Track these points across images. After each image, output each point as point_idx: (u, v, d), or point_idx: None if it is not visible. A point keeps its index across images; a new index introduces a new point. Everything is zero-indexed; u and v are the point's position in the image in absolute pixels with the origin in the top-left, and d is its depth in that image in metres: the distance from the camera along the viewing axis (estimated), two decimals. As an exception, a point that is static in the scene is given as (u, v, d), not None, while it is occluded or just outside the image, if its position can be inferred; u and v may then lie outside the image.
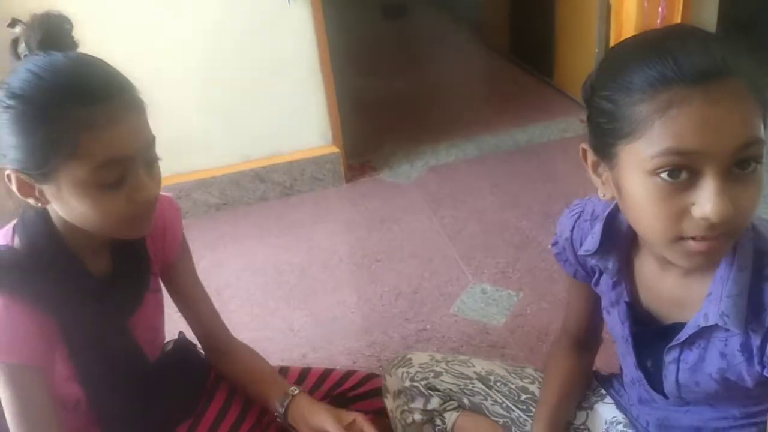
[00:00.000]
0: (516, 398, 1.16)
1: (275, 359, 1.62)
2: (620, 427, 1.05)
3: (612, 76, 0.73)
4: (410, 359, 1.21)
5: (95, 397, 1.04)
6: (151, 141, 0.92)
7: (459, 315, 1.74)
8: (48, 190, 0.89)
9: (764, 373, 0.78)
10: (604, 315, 1.00)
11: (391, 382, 1.20)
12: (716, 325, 0.80)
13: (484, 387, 1.17)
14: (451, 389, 1.17)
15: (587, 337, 1.09)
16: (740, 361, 0.80)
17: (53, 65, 0.86)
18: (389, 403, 1.20)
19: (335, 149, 2.45)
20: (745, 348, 0.79)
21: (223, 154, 2.38)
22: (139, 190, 0.90)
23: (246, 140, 2.40)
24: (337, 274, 1.98)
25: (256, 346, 1.34)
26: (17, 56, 0.90)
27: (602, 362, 1.17)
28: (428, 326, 1.71)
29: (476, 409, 1.17)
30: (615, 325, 0.96)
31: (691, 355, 0.85)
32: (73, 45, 0.92)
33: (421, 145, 2.75)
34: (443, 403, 1.17)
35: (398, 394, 1.19)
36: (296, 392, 1.15)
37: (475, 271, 1.92)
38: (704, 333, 0.83)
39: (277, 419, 1.17)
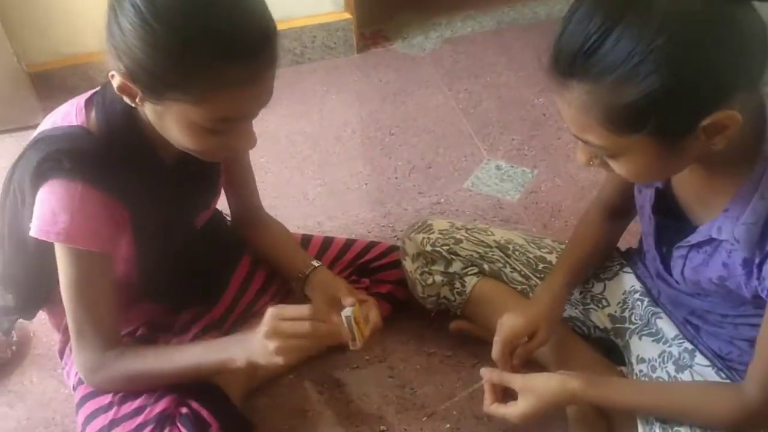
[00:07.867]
0: (534, 267, 1.19)
1: (291, 227, 1.63)
2: (637, 295, 1.10)
3: None
4: (431, 225, 1.23)
5: (146, 274, 1.06)
6: (270, 96, 0.86)
7: (473, 190, 1.74)
8: (151, 105, 0.84)
9: (759, 293, 0.81)
10: (635, 192, 1.01)
11: (410, 246, 1.23)
12: None
13: (503, 255, 1.21)
14: (471, 255, 1.20)
15: (621, 205, 1.10)
16: (740, 273, 0.83)
17: None
18: (408, 264, 1.23)
19: (347, 15, 2.34)
20: (747, 264, 0.82)
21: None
22: (242, 141, 0.90)
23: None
24: (350, 145, 1.96)
25: (272, 213, 1.35)
26: None
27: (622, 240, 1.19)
28: (442, 200, 1.72)
29: (495, 276, 1.21)
30: (644, 203, 0.98)
31: (697, 257, 0.89)
32: None
33: (436, 15, 2.63)
34: (464, 268, 1.20)
35: (417, 257, 1.22)
36: (318, 264, 1.19)
37: (489, 147, 1.90)
38: (713, 241, 0.85)
39: (294, 286, 1.20)
